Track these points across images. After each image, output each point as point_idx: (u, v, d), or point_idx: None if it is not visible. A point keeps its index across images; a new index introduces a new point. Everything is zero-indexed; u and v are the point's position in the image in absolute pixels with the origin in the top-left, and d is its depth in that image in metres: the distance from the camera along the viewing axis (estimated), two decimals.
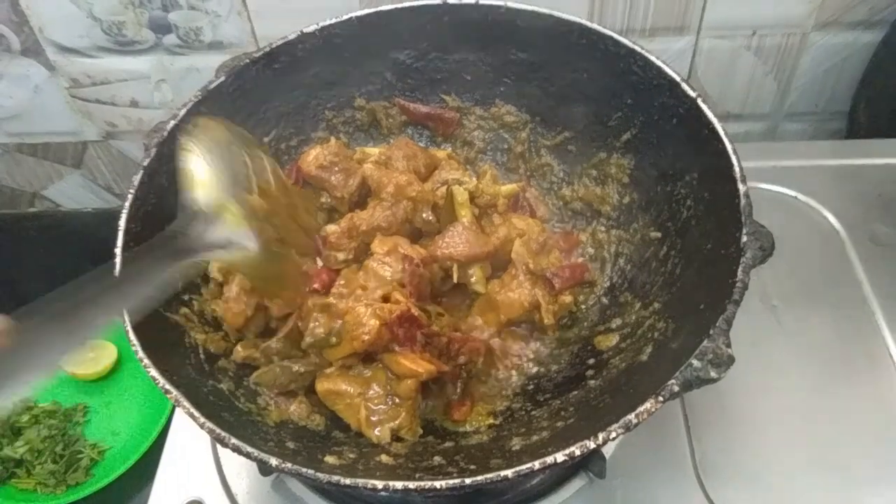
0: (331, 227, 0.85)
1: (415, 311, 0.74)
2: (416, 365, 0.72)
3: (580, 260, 0.92)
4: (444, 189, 0.88)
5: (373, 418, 0.73)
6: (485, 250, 0.83)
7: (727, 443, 0.86)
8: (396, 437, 0.74)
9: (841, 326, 0.97)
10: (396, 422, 0.73)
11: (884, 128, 1.28)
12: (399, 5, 0.90)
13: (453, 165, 0.93)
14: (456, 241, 0.83)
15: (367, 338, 0.71)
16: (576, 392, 0.76)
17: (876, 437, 0.87)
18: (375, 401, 0.74)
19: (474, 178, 0.91)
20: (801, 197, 1.12)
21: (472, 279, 0.85)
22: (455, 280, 0.83)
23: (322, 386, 0.75)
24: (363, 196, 0.91)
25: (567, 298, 0.86)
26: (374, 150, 0.95)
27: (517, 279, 0.83)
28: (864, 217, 1.09)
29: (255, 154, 0.70)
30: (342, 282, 0.78)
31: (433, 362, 0.74)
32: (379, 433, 0.72)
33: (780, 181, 1.14)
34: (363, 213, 0.85)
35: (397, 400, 0.74)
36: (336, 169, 0.89)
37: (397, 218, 0.85)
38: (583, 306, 0.89)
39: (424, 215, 0.87)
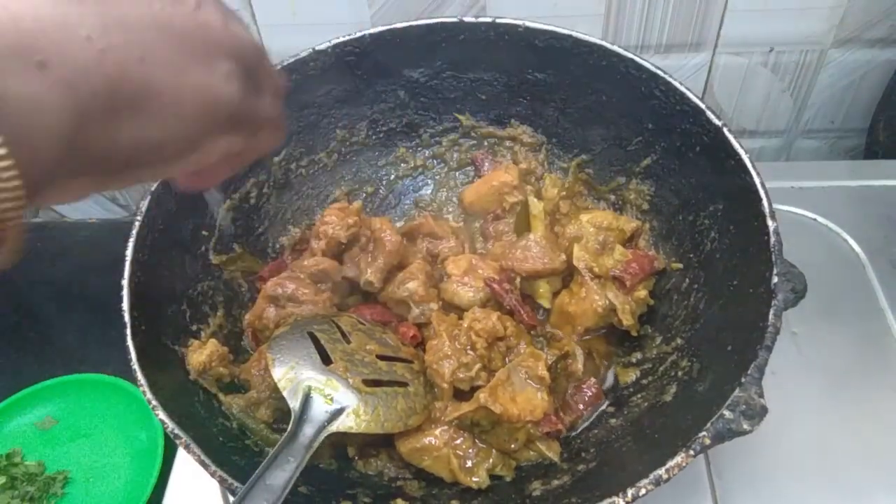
0: (412, 286, 0.81)
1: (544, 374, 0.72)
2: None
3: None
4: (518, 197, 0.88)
5: (466, 465, 0.69)
6: (549, 267, 0.82)
7: (749, 478, 0.84)
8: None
9: (864, 355, 0.94)
10: (490, 461, 0.70)
11: None
12: (414, 23, 0.88)
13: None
14: (524, 255, 0.82)
15: (537, 416, 0.69)
16: (595, 430, 0.74)
17: None
18: (463, 446, 0.70)
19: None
20: (820, 219, 1.09)
21: (539, 291, 0.84)
22: (518, 292, 0.82)
23: (405, 446, 0.71)
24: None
25: (641, 293, 0.81)
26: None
27: (585, 286, 0.81)
28: (886, 241, 1.06)
29: (322, 326, 0.73)
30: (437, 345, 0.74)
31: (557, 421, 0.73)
32: (477, 480, 0.69)
33: (799, 202, 1.11)
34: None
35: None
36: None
37: None
38: None
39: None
